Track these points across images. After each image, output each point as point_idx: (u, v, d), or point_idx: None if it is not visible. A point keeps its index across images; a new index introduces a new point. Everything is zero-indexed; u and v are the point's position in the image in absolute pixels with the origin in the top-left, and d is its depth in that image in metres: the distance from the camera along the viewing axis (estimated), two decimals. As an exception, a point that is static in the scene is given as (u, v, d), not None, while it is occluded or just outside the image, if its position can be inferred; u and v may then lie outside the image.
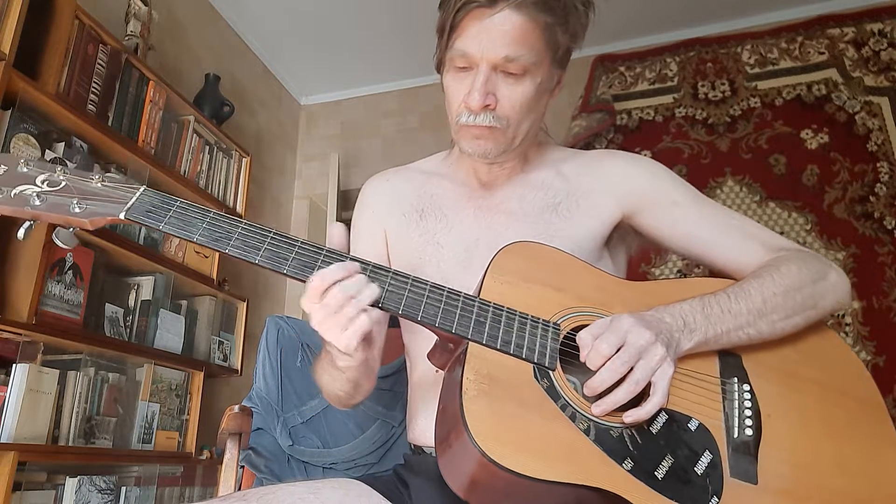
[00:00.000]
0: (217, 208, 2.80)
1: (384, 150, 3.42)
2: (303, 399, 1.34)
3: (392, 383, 1.31)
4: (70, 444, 1.72)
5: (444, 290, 0.72)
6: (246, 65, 3.14)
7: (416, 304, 0.70)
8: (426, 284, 0.71)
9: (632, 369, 0.69)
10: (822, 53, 2.82)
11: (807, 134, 2.73)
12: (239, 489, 1.23)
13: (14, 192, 0.68)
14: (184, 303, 2.31)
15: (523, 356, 0.71)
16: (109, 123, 1.97)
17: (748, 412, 0.77)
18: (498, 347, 0.70)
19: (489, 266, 0.77)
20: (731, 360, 0.82)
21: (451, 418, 0.66)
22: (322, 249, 0.71)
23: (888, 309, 2.45)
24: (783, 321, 0.84)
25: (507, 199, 0.97)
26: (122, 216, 0.69)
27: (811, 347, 0.88)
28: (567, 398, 0.70)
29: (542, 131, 1.05)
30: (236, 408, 1.18)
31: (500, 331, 0.71)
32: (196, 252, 2.34)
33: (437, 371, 0.89)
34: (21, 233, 0.68)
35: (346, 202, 3.17)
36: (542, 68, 0.88)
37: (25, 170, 0.71)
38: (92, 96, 1.91)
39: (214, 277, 2.41)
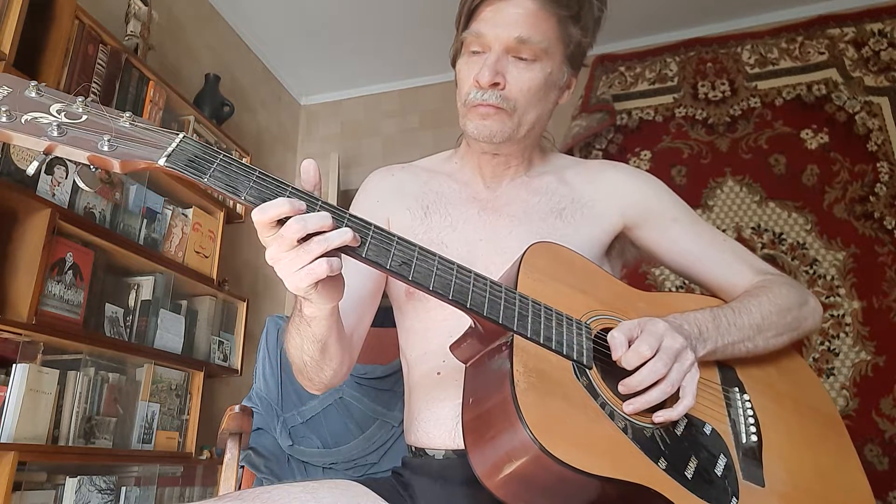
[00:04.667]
0: (217, 207, 2.75)
1: (384, 150, 3.42)
2: (303, 399, 1.34)
3: (392, 383, 1.31)
4: (70, 444, 1.72)
5: (487, 280, 0.71)
6: (246, 65, 3.14)
7: (464, 290, 0.68)
8: (471, 273, 0.70)
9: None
10: (822, 53, 2.82)
11: (807, 134, 2.74)
12: (239, 489, 1.23)
13: (26, 118, 0.58)
14: (184, 303, 2.31)
15: (564, 353, 0.71)
16: (109, 123, 1.97)
17: (751, 420, 0.83)
18: (541, 343, 0.70)
19: (521, 262, 0.78)
20: (728, 371, 0.88)
21: (494, 410, 0.66)
22: (370, 225, 0.66)
23: (888, 309, 2.45)
24: (775, 338, 0.90)
25: (512, 202, 0.98)
26: (161, 162, 0.60)
27: (784, 365, 0.95)
28: (605, 397, 0.71)
29: (547, 139, 1.06)
30: (236, 408, 1.18)
31: (542, 326, 0.71)
32: (196, 252, 2.34)
33: (438, 374, 0.90)
34: (32, 168, 0.59)
35: (346, 202, 3.17)
36: (553, 59, 0.91)
37: (34, 95, 0.60)
38: (92, 96, 1.90)
39: (214, 277, 2.41)
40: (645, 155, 2.93)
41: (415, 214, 0.98)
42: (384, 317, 1.06)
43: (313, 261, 0.61)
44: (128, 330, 2.03)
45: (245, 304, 2.63)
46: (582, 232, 0.95)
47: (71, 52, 1.83)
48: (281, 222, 0.61)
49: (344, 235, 0.61)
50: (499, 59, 0.88)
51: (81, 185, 0.62)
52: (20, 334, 1.63)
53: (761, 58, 2.91)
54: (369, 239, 0.65)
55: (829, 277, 2.56)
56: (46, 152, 0.60)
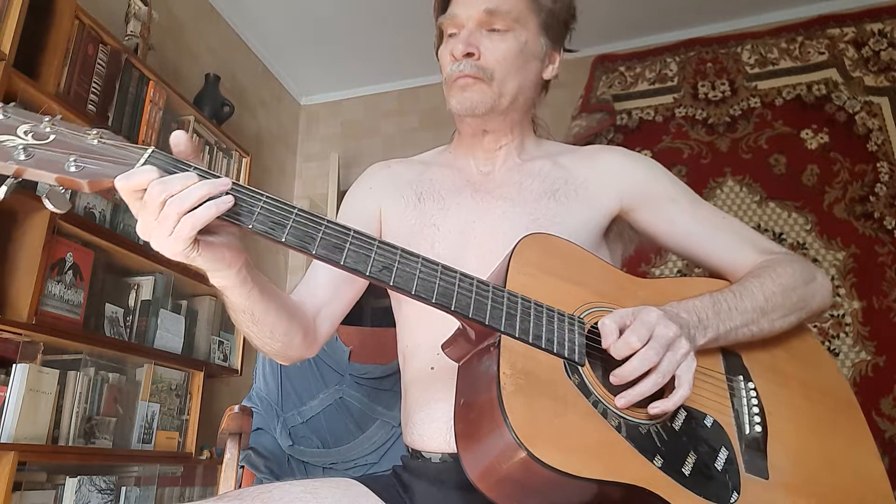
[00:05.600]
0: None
1: (384, 150, 3.42)
2: (303, 399, 1.34)
3: (392, 383, 1.31)
4: (70, 444, 1.72)
5: (473, 280, 0.69)
6: (246, 65, 3.14)
7: (448, 292, 0.67)
8: (456, 273, 0.69)
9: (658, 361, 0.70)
10: (822, 53, 2.82)
11: (807, 134, 2.73)
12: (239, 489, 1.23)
13: None
14: (184, 303, 2.31)
15: (554, 351, 0.69)
16: (109, 123, 1.97)
17: (755, 409, 0.80)
18: (530, 342, 0.68)
19: (511, 256, 0.76)
20: (733, 358, 0.84)
21: (482, 413, 0.65)
22: (349, 231, 0.65)
23: (888, 309, 2.45)
24: (780, 319, 0.86)
25: (504, 185, 0.98)
26: None
27: (794, 347, 0.91)
28: (598, 395, 0.69)
29: (542, 127, 1.06)
30: (236, 408, 1.19)
31: (531, 324, 0.69)
32: (196, 252, 2.34)
33: (432, 368, 0.89)
34: (1, 192, 0.58)
35: (346, 202, 3.17)
36: (527, 28, 0.95)
37: (1, 117, 0.59)
38: (92, 96, 1.91)
39: (214, 277, 2.40)
40: (645, 155, 2.93)
41: (408, 201, 0.99)
42: (384, 316, 1.06)
43: (176, 224, 0.60)
44: (128, 330, 2.03)
45: (245, 304, 2.63)
46: (576, 213, 0.93)
47: (71, 52, 1.83)
48: None
49: (201, 190, 0.60)
50: (472, 33, 0.92)
51: (51, 207, 0.60)
52: (20, 334, 1.63)
53: (761, 58, 2.91)
54: (348, 245, 0.64)
55: (829, 277, 2.56)
56: (15, 176, 0.58)
